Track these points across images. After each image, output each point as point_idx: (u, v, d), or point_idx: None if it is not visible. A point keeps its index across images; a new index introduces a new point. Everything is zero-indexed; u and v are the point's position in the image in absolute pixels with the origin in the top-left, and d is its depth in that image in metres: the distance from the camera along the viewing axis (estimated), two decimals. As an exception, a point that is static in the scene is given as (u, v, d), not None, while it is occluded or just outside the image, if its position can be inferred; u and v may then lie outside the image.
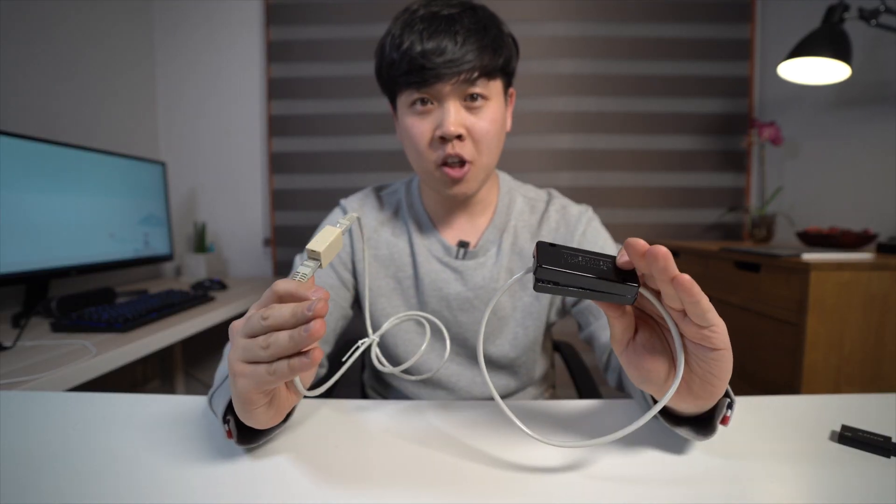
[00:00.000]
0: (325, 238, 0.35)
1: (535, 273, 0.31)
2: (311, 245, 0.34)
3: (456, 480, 0.36)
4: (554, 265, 0.30)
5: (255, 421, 0.35)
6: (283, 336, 0.30)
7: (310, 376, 0.37)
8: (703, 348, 0.32)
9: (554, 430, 0.44)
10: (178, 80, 1.78)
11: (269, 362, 0.31)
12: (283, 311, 0.31)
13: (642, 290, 0.32)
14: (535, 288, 0.31)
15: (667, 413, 0.40)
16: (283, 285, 0.33)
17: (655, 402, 0.41)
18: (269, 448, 0.40)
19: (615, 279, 0.31)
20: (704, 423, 0.38)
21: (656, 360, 0.34)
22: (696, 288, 0.29)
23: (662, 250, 0.28)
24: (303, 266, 0.35)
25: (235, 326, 0.34)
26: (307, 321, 0.30)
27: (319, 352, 0.31)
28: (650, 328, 0.35)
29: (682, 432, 0.38)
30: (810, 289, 1.02)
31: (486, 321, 0.35)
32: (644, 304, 0.35)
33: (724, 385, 0.33)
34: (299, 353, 0.31)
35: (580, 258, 0.31)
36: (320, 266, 0.35)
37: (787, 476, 0.36)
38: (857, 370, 1.04)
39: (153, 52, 1.75)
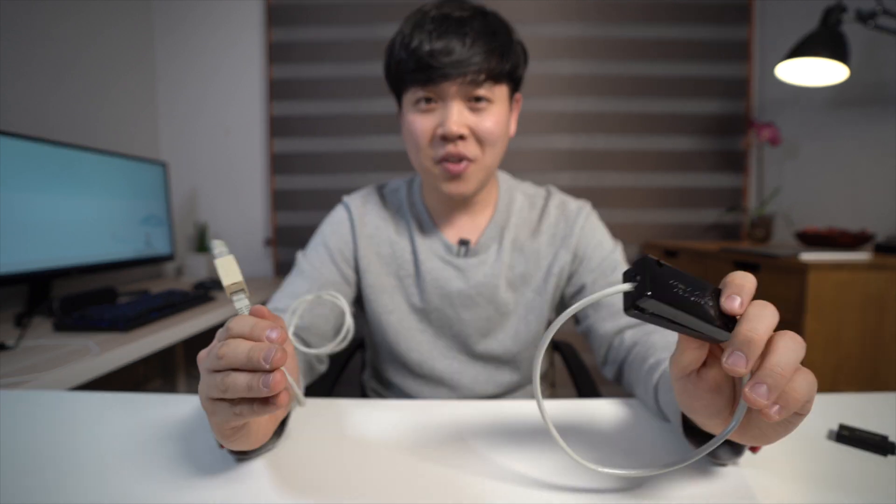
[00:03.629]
0: (231, 269, 0.33)
1: (635, 298, 0.26)
2: (228, 281, 0.33)
3: (458, 483, 0.36)
4: (662, 298, 0.26)
5: (238, 447, 0.34)
6: (241, 381, 0.29)
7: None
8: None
9: (570, 437, 0.44)
10: (179, 80, 1.78)
11: (233, 401, 0.30)
12: (239, 353, 0.29)
13: None
14: (628, 313, 0.27)
15: (690, 427, 0.38)
16: (237, 328, 0.31)
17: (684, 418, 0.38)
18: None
19: (716, 323, 0.27)
20: (733, 445, 0.36)
21: (717, 399, 0.31)
22: (813, 390, 0.27)
23: (762, 403, 0.25)
24: (237, 302, 0.33)
25: (201, 358, 0.32)
26: (265, 370, 0.29)
27: (286, 396, 0.30)
28: (720, 365, 0.30)
29: (721, 455, 0.36)
30: (808, 289, 1.02)
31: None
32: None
33: (779, 440, 0.30)
34: (264, 399, 0.30)
35: (682, 288, 0.27)
36: (246, 294, 0.34)
37: (785, 475, 0.36)
38: (854, 369, 1.05)
39: (153, 52, 1.75)
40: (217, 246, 0.34)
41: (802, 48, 1.19)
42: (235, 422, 0.31)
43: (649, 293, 0.25)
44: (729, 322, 0.27)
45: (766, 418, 0.26)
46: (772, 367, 0.26)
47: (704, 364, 0.31)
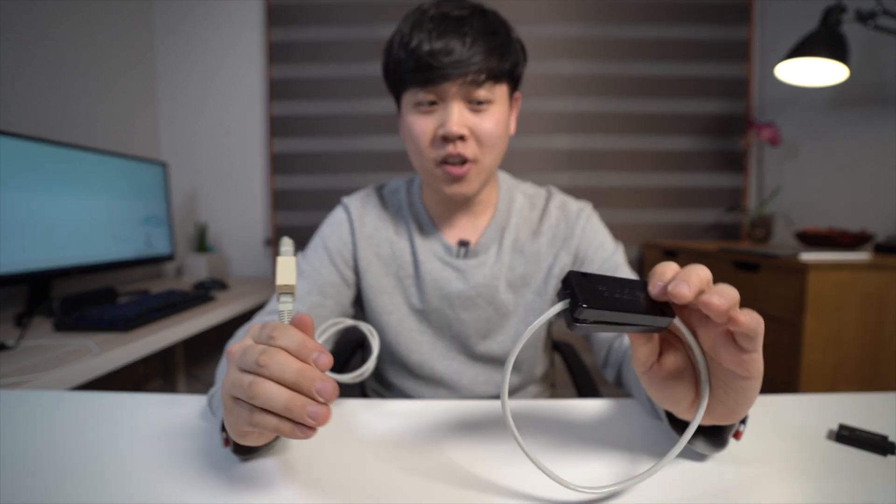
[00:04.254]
0: (289, 270, 0.33)
1: (572, 313, 0.28)
2: (281, 281, 0.32)
3: (459, 483, 0.36)
4: (595, 305, 0.27)
5: (248, 443, 0.34)
6: (279, 397, 0.28)
7: None
8: (734, 376, 0.30)
9: (566, 439, 0.44)
10: (179, 80, 1.78)
11: (253, 408, 0.29)
12: (287, 370, 0.28)
13: (676, 322, 0.30)
14: (571, 329, 0.29)
15: (676, 422, 0.39)
16: (284, 340, 0.30)
17: (668, 413, 0.40)
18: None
19: (651, 312, 0.29)
20: (715, 435, 0.38)
21: (681, 384, 0.33)
22: (761, 326, 0.28)
23: (715, 304, 0.26)
24: (283, 305, 0.33)
25: (233, 353, 0.31)
26: (317, 400, 0.28)
27: (315, 431, 0.29)
28: (675, 351, 0.34)
29: (696, 446, 0.38)
30: (808, 289, 1.02)
31: (520, 342, 0.31)
32: (674, 329, 0.33)
33: (746, 412, 0.32)
34: (296, 424, 0.29)
35: (611, 290, 0.29)
36: (293, 300, 0.33)
37: (785, 475, 0.36)
38: (854, 369, 1.05)
39: (153, 52, 1.75)
40: (285, 243, 0.35)
41: (802, 48, 1.19)
42: (249, 428, 0.30)
43: (584, 304, 0.27)
44: (665, 309, 0.30)
45: (708, 307, 0.27)
46: (716, 288, 0.28)
47: (661, 354, 0.33)
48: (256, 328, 0.31)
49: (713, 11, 1.72)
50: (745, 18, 1.73)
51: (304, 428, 0.28)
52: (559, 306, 0.29)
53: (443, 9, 0.59)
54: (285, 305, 0.33)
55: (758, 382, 0.31)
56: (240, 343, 0.32)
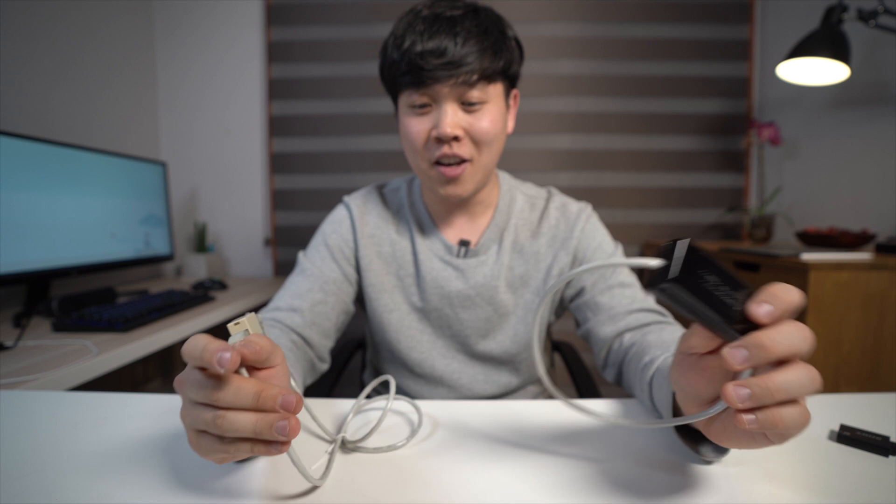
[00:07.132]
0: (253, 323, 0.32)
1: (661, 279, 0.26)
2: (235, 324, 0.31)
3: (460, 483, 0.36)
4: (687, 284, 0.25)
5: (225, 463, 0.32)
6: (244, 422, 0.27)
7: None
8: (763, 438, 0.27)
9: (566, 438, 0.44)
10: (178, 80, 1.78)
11: (223, 439, 0.28)
12: (242, 395, 0.27)
13: None
14: (647, 289, 0.28)
15: (680, 427, 0.38)
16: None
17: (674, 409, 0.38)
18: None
19: (737, 326, 0.26)
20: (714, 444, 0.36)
21: (705, 386, 0.30)
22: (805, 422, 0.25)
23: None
24: (234, 337, 0.31)
25: (181, 383, 0.29)
26: (279, 429, 0.27)
27: (296, 427, 0.28)
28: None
29: (704, 454, 0.36)
30: (809, 289, 1.02)
31: (537, 318, 0.30)
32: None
33: (743, 449, 0.30)
34: (267, 441, 0.28)
35: (710, 280, 0.26)
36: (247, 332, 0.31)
37: (786, 476, 0.36)
38: (855, 370, 1.05)
39: (153, 52, 1.75)
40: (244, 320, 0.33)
41: (803, 47, 1.19)
42: (223, 455, 0.29)
43: (676, 278, 0.25)
44: (753, 329, 0.25)
45: (737, 422, 0.24)
46: (768, 381, 0.24)
47: (711, 353, 0.30)
48: (190, 353, 0.28)
49: (714, 11, 1.72)
50: (746, 18, 1.73)
51: (278, 445, 0.28)
52: (654, 262, 0.26)
53: (436, 9, 0.59)
54: (236, 339, 0.31)
55: (776, 445, 0.28)
56: (185, 375, 0.30)
